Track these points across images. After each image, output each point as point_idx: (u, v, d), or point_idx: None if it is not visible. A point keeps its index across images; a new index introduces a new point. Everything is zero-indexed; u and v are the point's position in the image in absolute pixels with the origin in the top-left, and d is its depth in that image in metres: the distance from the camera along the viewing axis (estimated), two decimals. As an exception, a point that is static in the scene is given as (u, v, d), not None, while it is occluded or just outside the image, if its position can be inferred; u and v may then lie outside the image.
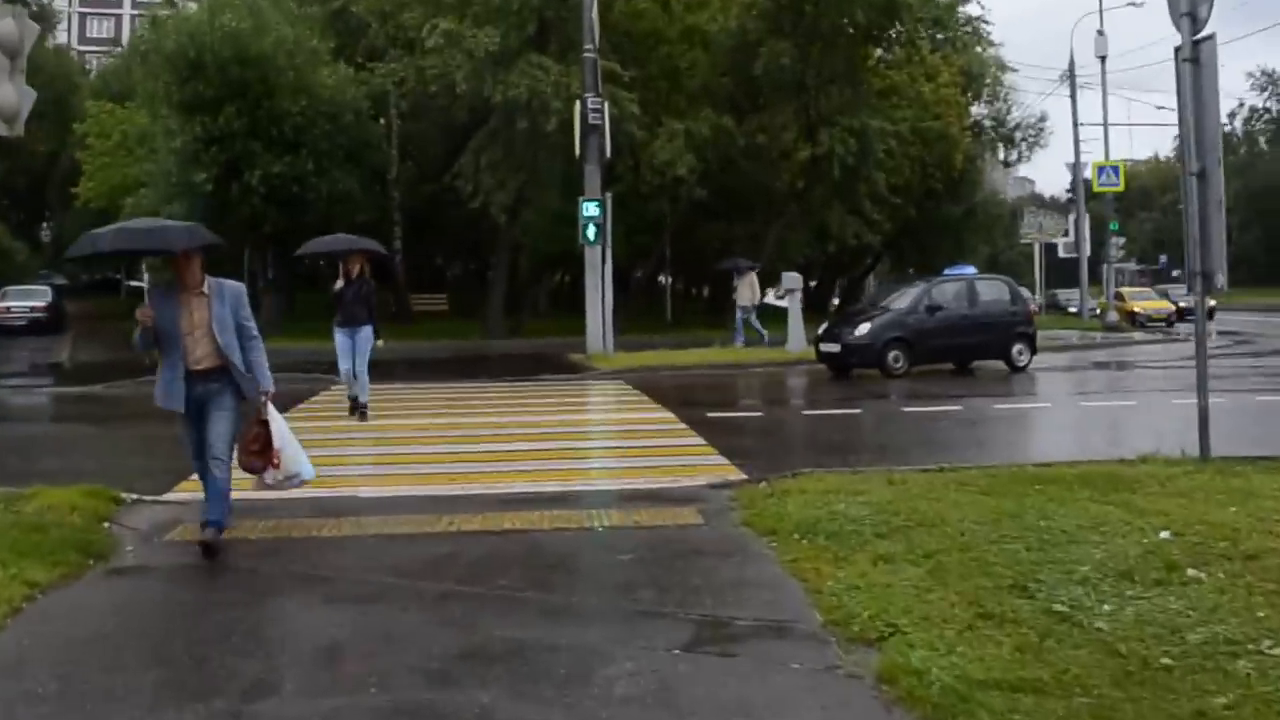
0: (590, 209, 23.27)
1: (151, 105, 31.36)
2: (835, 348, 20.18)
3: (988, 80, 43.63)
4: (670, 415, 14.11)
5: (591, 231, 23.30)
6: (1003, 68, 43.94)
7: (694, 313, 42.29)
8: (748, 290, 26.35)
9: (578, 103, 23.73)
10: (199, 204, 28.81)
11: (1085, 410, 15.83)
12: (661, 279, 43.63)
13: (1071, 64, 39.56)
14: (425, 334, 32.06)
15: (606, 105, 23.82)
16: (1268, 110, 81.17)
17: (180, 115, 28.43)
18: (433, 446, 12.17)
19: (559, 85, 26.80)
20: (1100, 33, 37.39)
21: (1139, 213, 78.61)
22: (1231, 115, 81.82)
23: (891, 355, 19.53)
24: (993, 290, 21.70)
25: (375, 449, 12.11)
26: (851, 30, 29.86)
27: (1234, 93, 78.75)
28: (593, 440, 13.21)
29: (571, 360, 23.90)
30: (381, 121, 34.41)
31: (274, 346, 24.07)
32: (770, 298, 31.40)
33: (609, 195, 23.72)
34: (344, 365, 14.78)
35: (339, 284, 15.64)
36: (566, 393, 18.66)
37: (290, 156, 28.33)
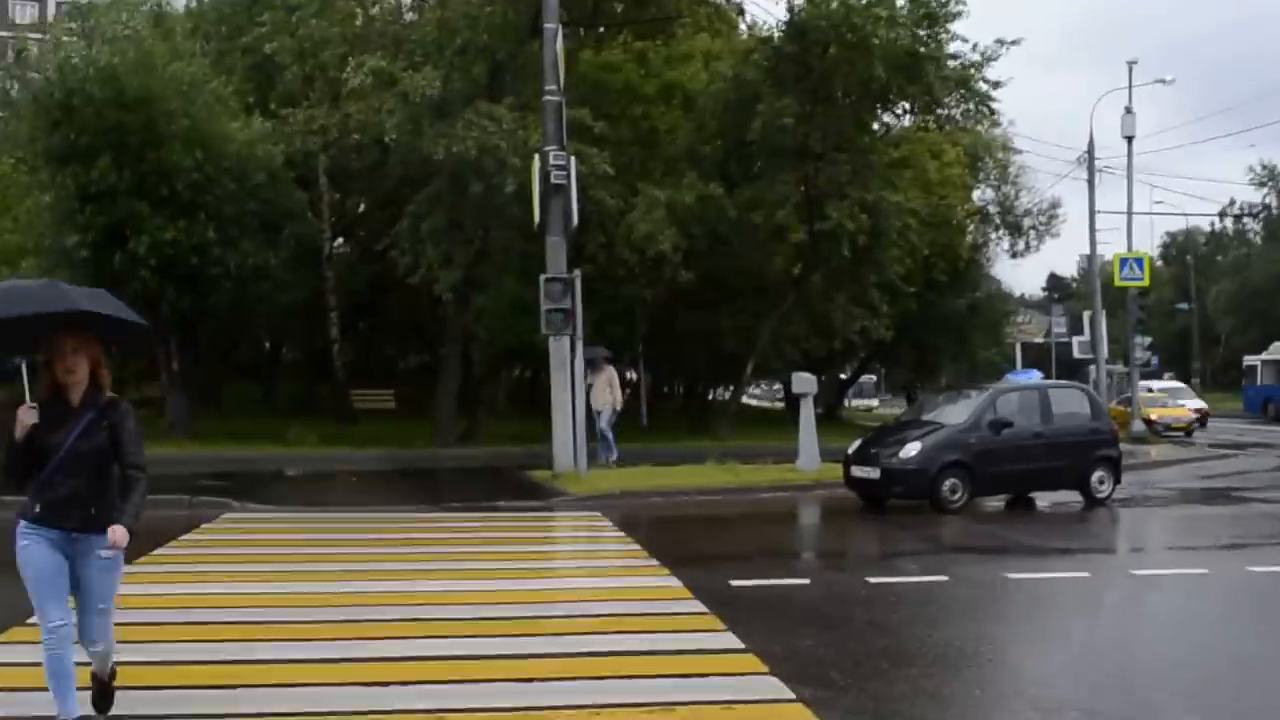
0: (553, 291, 18.90)
1: (19, 152, 26.93)
2: (873, 473, 15.96)
3: (995, 161, 39.88)
4: (676, 584, 9.75)
5: (556, 319, 18.91)
6: (1007, 148, 40.20)
7: (670, 413, 37.89)
8: (605, 389, 21.98)
9: (537, 157, 19.36)
10: (81, 277, 24.40)
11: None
12: (631, 375, 39.20)
13: (1091, 145, 35.49)
14: (366, 437, 27.58)
15: (574, 162, 19.48)
16: (1266, 207, 78.04)
17: (50, 167, 23.82)
18: (310, 646, 7.69)
19: (515, 139, 22.54)
20: (1129, 110, 33.66)
21: (1119, 311, 74.88)
22: (1222, 214, 79.44)
23: (948, 485, 15.45)
24: (1069, 401, 17.64)
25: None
26: (867, 88, 25.66)
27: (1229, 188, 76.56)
28: (565, 639, 8.43)
29: (535, 480, 19.46)
30: (310, 190, 30.13)
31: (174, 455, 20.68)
32: (755, 396, 26.95)
33: (577, 273, 19.32)
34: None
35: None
36: (527, 535, 14.32)
37: (185, 221, 23.61)
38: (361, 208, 38.05)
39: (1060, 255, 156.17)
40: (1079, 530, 15.37)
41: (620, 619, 8.50)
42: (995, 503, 16.76)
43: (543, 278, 19.05)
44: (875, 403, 70.23)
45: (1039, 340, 65.08)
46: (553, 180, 19.06)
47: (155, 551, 11.51)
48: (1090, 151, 35.64)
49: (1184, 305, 69.54)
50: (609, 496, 17.15)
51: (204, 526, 13.79)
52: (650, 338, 32.49)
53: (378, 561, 11.10)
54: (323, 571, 10.44)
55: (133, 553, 10.76)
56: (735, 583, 9.84)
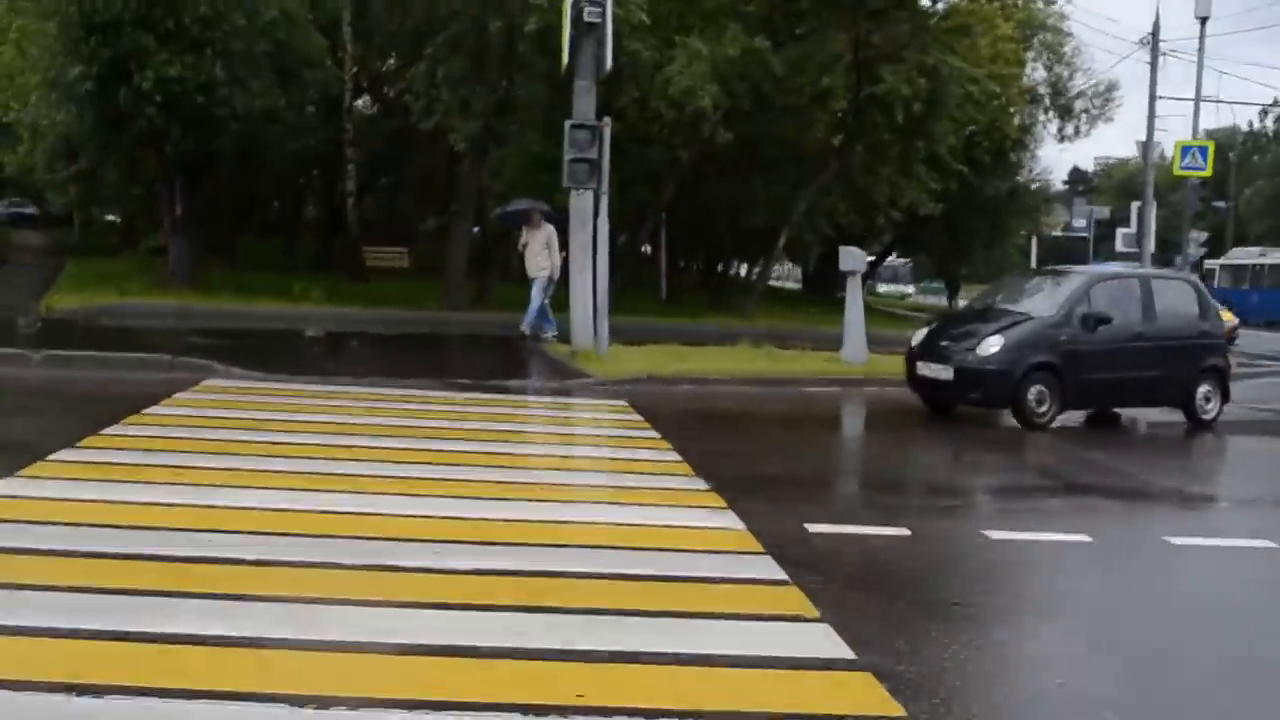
0: (579, 139, 15.92)
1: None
2: (944, 372, 12.76)
3: (1049, 38, 36.00)
4: (738, 526, 6.98)
5: (580, 170, 15.93)
6: (1060, 28, 36.26)
7: (687, 288, 34.81)
8: (542, 252, 18.59)
9: None
10: (87, 112, 21.58)
11: None
12: (645, 248, 36.13)
13: (1156, 25, 31.85)
14: (375, 297, 24.67)
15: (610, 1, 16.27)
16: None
17: None
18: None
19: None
20: (1204, -12, 29.66)
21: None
22: (1263, 113, 74.89)
23: (1034, 392, 12.38)
24: (1175, 296, 13.90)
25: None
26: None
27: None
28: (592, 618, 5.80)
29: (550, 356, 16.78)
30: (333, 37, 26.98)
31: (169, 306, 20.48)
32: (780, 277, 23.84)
33: (607, 120, 16.24)
34: None
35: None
36: (540, 431, 11.60)
37: (192, 57, 20.61)
38: (389, 63, 34.91)
39: (1093, 146, 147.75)
40: (1212, 468, 12.45)
41: (672, 587, 5.75)
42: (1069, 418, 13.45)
43: (568, 124, 15.99)
44: (910, 289, 65.66)
45: (1056, 234, 61.39)
46: (585, 18, 15.88)
47: (105, 431, 9.02)
48: (1155, 33, 32.01)
49: (1221, 203, 65.07)
50: (634, 381, 14.40)
51: (176, 396, 11.19)
52: (673, 205, 29.28)
53: (350, 461, 8.38)
54: (276, 473, 7.78)
55: (86, 424, 9.04)
56: (812, 528, 7.06)
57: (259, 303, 22.10)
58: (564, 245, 17.79)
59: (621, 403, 12.82)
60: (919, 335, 14.04)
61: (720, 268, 39.33)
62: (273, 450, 8.63)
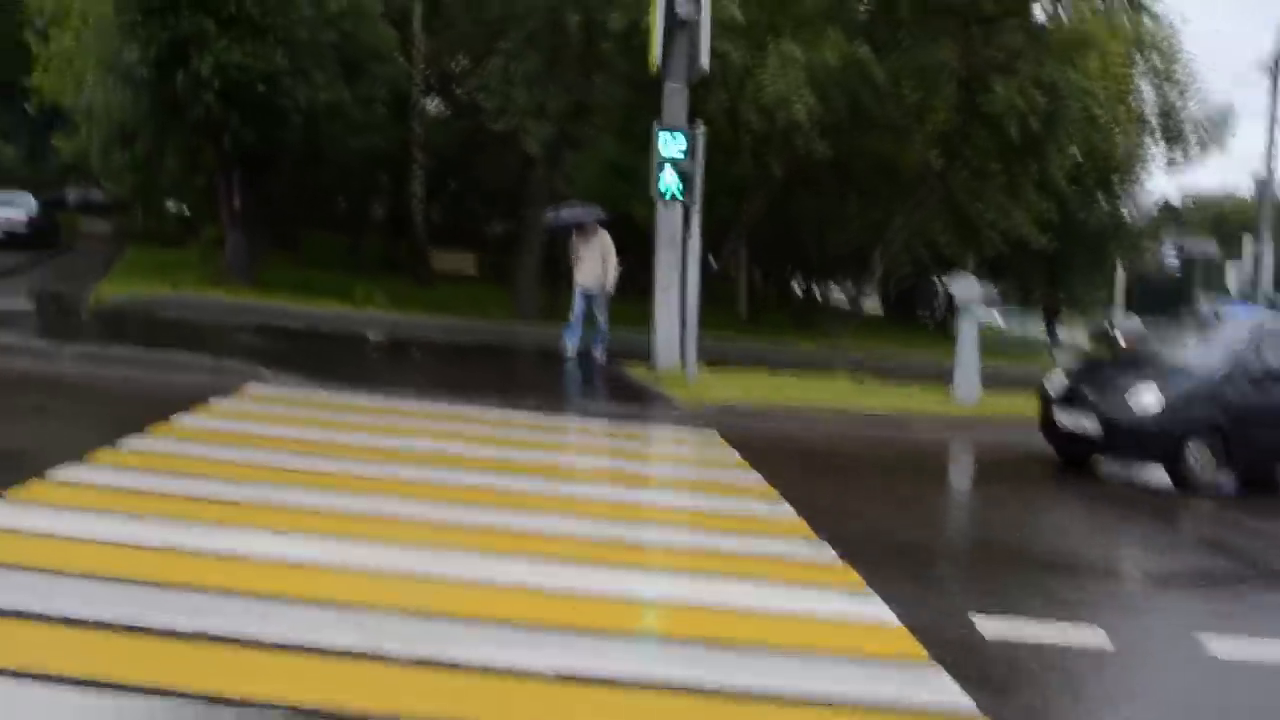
0: (671, 144, 14.51)
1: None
2: (1089, 425, 11.13)
3: (1160, 58, 33.92)
4: (888, 617, 5.43)
5: (671, 181, 14.52)
6: (1173, 47, 34.13)
7: (765, 308, 33.21)
8: (596, 263, 16.93)
9: None
10: (143, 97, 20.55)
11: None
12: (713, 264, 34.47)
13: (1280, 48, 29.73)
14: (441, 302, 23.51)
15: None
16: None
17: None
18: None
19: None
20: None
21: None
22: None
23: (1196, 453, 10.68)
24: None
25: None
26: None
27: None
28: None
29: (630, 378, 15.24)
30: (403, 31, 25.82)
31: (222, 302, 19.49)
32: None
33: (701, 126, 14.81)
34: None
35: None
36: (626, 468, 9.90)
37: (253, 44, 19.50)
38: (460, 63, 33.80)
39: (1184, 179, 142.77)
40: None
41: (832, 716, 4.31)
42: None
43: (657, 128, 14.61)
44: (999, 319, 63.05)
45: (1230, 267, 58.45)
46: (678, 13, 14.59)
47: (122, 441, 7.72)
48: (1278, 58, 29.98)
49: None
50: (725, 410, 12.82)
51: (212, 403, 9.88)
52: (758, 221, 27.77)
53: (400, 498, 6.94)
54: (308, 511, 6.34)
55: (103, 431, 7.79)
56: (982, 625, 5.51)
57: (318, 303, 20.95)
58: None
59: (713, 435, 11.30)
60: (1056, 380, 12.28)
61: (803, 288, 37.74)
62: (309, 479, 7.27)
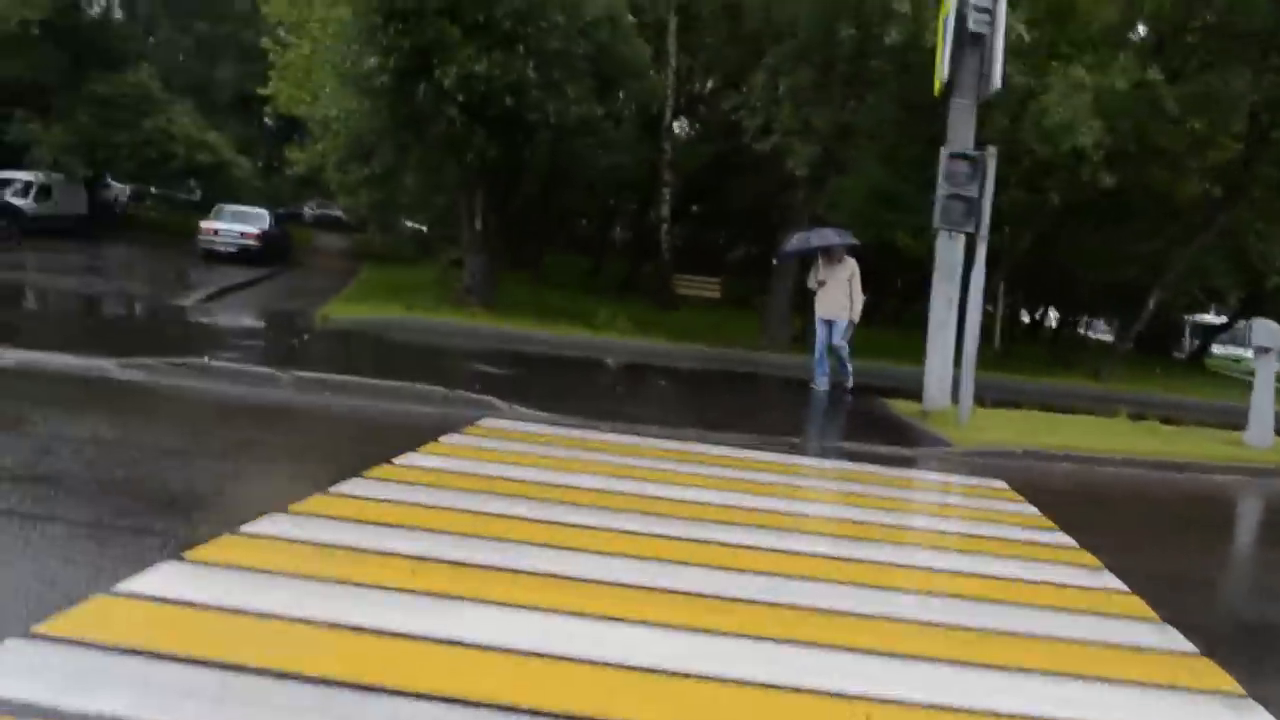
0: (957, 171, 12.93)
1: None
2: None
3: None
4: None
5: (956, 209, 12.93)
6: None
7: (1018, 341, 30.98)
8: (842, 292, 15.46)
9: None
10: (382, 108, 20.04)
11: None
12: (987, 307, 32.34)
13: None
14: (685, 328, 22.57)
15: (1002, 4, 13.19)
16: None
17: None
18: None
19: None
20: None
21: None
22: None
23: None
24: None
25: None
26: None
27: None
28: None
29: (896, 415, 13.93)
30: (656, 43, 24.89)
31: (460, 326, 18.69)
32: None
33: (992, 150, 13.15)
34: None
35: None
36: (911, 523, 8.33)
37: (501, 54, 18.66)
38: (710, 84, 32.90)
39: None
40: None
41: None
42: None
43: (945, 151, 13.06)
44: (1248, 353, 59.12)
45: None
46: (970, 27, 13.03)
47: (336, 486, 6.81)
48: None
49: None
50: (1004, 454, 11.45)
51: (442, 440, 8.93)
52: (1024, 251, 25.68)
53: (650, 561, 5.71)
54: (542, 579, 5.11)
55: (319, 475, 6.96)
56: None
57: (558, 328, 20.12)
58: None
59: (999, 484, 9.82)
60: None
61: (1063, 323, 35.28)
62: (551, 533, 6.16)
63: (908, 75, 17.76)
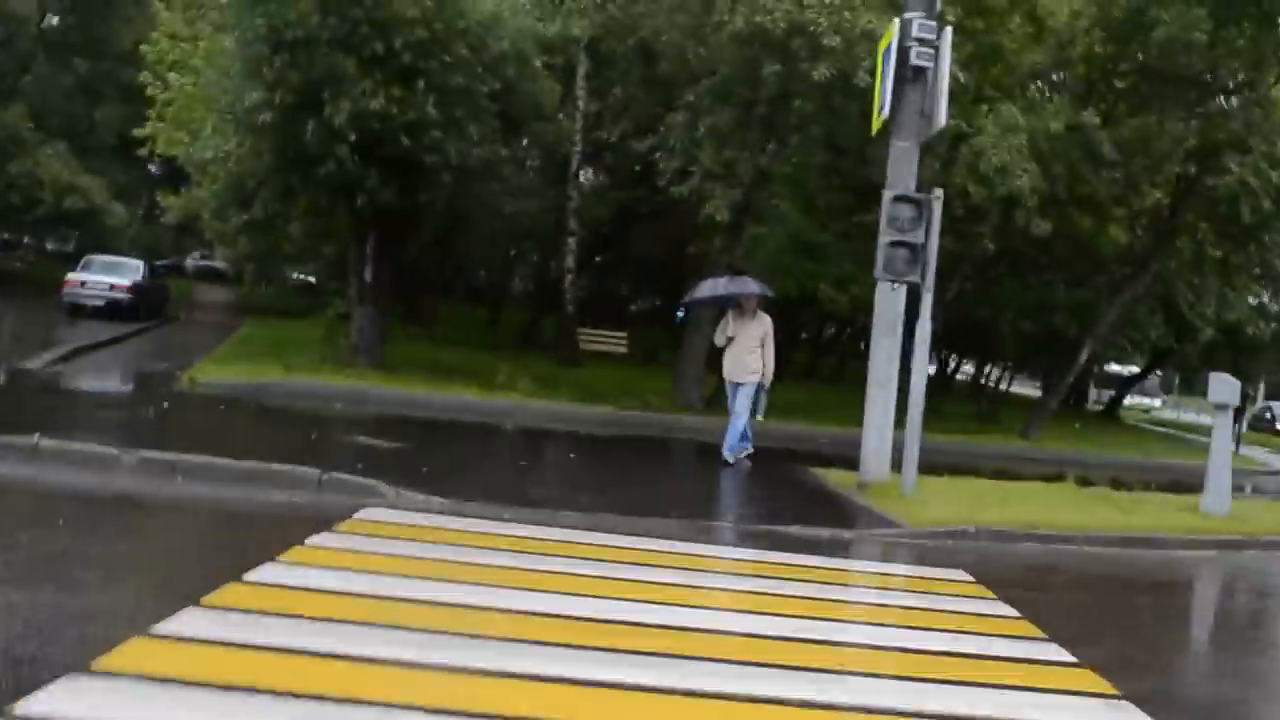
0: (901, 215, 11.58)
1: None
2: None
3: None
4: None
5: (899, 258, 11.54)
6: None
7: (944, 400, 29.89)
8: (753, 349, 13.73)
9: (894, 25, 12.05)
10: (265, 148, 18.19)
11: None
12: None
13: None
14: (591, 388, 20.80)
15: (948, 36, 11.95)
16: None
17: (244, 4, 17.07)
18: None
19: (836, 16, 15.49)
20: None
21: None
22: None
23: None
24: None
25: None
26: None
27: None
28: None
29: (828, 487, 12.57)
30: (565, 86, 23.42)
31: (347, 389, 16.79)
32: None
33: (938, 193, 11.82)
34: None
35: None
36: (891, 638, 6.50)
37: (399, 89, 16.90)
38: (619, 130, 31.57)
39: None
40: None
41: None
42: None
43: (888, 195, 11.70)
44: (1157, 402, 59.51)
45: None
46: (913, 60, 11.80)
47: (157, 625, 5.10)
48: None
49: None
50: (957, 535, 10.17)
51: (309, 543, 7.24)
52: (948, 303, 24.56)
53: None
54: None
55: (145, 604, 5.56)
56: None
57: (454, 389, 18.33)
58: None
59: (961, 575, 8.48)
60: None
61: (979, 376, 34.48)
62: (435, 689, 4.51)
63: (833, 117, 16.60)
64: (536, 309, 35.55)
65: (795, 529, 9.83)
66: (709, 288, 15.39)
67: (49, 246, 46.15)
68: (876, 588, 8.50)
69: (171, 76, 25.77)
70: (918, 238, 11.44)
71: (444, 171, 18.05)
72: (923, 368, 11.81)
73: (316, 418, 14.64)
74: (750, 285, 14.53)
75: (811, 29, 15.49)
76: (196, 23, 25.93)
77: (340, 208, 19.49)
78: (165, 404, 14.17)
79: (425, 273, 30.90)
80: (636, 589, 6.96)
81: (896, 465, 11.94)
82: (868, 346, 13.99)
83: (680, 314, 35.00)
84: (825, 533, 9.96)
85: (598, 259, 37.12)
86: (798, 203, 19.88)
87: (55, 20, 40.34)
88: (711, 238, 21.59)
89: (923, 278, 11.47)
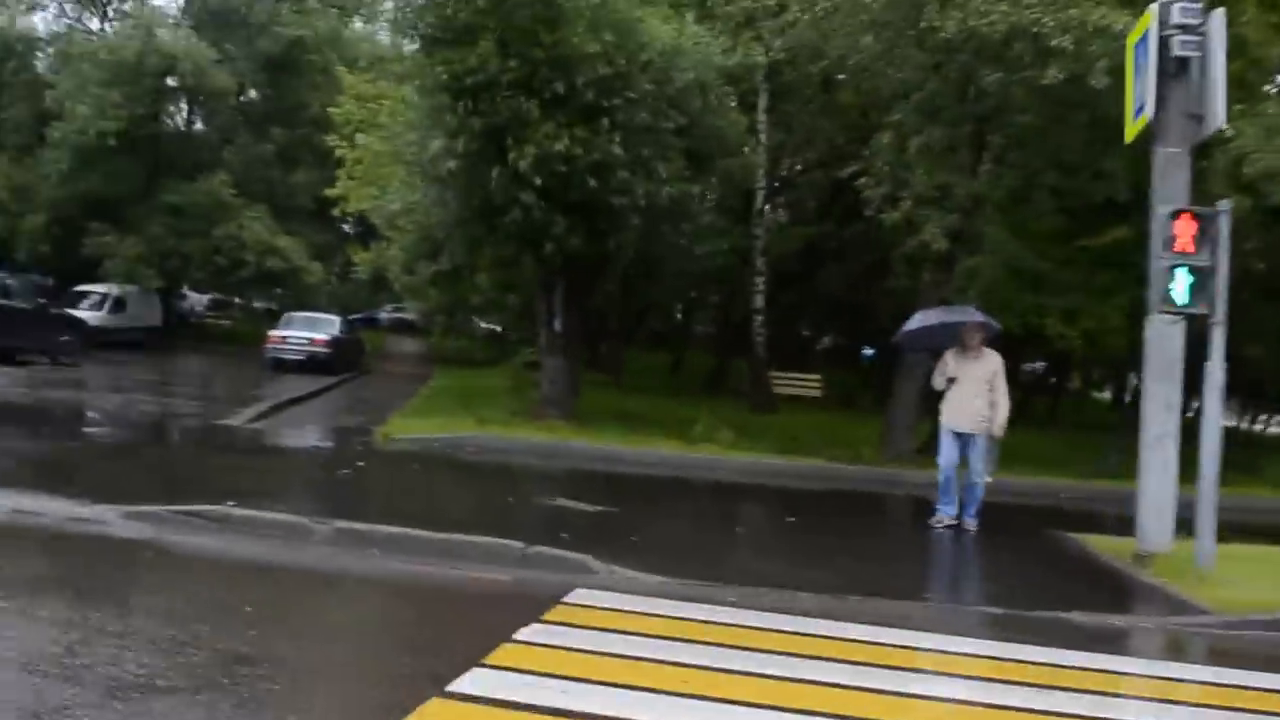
0: (1179, 233, 9.71)
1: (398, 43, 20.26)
2: None
3: None
4: None
5: (1179, 285, 9.69)
6: None
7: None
8: (980, 391, 11.79)
9: (1152, 11, 10.09)
10: (452, 199, 17.39)
11: None
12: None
13: None
14: (790, 436, 19.11)
15: (1217, 21, 10.05)
16: None
17: (423, 54, 16.52)
18: None
19: (1063, 15, 13.65)
20: None
21: None
22: None
23: None
24: None
25: None
26: None
27: None
28: None
29: (1095, 558, 10.59)
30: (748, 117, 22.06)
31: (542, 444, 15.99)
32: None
33: (1226, 205, 9.85)
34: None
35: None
36: None
37: (583, 129, 15.79)
38: (796, 164, 30.11)
39: None
40: None
41: None
42: None
43: (1161, 211, 9.76)
44: None
45: None
46: (1175, 52, 9.93)
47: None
48: None
49: None
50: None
51: (517, 638, 6.02)
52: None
53: None
54: None
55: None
56: None
57: (648, 441, 16.92)
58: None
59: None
60: None
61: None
62: None
63: (1062, 127, 14.76)
64: (721, 352, 34.27)
65: (1075, 616, 8.03)
66: (922, 319, 13.48)
67: (257, 305, 47.47)
68: (1191, 700, 6.57)
69: (359, 137, 25.97)
70: (1203, 260, 9.57)
71: (633, 213, 16.89)
72: (1217, 417, 9.77)
73: (511, 475, 13.68)
74: (973, 315, 12.67)
75: (1035, 30, 13.72)
76: (379, 81, 25.89)
77: (527, 256, 18.46)
78: (360, 462, 13.47)
79: (609, 318, 29.95)
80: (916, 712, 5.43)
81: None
82: (1088, 384, 12.09)
83: (867, 352, 32.93)
84: (1118, 621, 8.15)
85: (780, 298, 35.55)
86: (1012, 228, 17.84)
87: (253, 93, 41.47)
88: (912, 271, 19.79)
89: (1212, 309, 9.56)
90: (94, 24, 39.16)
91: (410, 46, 18.03)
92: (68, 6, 38.89)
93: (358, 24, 43.76)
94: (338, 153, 27.66)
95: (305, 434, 17.38)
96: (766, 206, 26.75)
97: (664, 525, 11.24)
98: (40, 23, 38.74)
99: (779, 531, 11.85)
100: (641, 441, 16.77)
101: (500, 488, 12.57)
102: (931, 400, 13.38)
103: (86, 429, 15.85)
